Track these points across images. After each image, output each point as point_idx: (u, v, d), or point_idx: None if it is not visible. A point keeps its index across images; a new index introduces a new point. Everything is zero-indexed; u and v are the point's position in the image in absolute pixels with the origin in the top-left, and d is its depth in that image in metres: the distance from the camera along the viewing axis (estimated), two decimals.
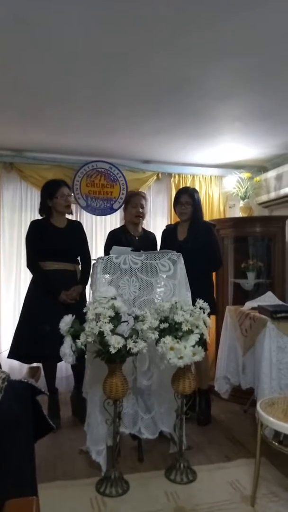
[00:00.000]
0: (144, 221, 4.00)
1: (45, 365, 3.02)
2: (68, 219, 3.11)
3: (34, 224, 3.05)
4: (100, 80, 2.32)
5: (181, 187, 3.98)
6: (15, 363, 3.50)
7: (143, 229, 3.26)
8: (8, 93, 2.50)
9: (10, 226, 3.78)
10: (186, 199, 3.07)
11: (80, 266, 3.06)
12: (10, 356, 2.92)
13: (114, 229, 3.33)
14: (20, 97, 2.58)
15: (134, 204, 3.11)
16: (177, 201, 3.13)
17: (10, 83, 2.37)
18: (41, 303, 2.88)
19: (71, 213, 3.14)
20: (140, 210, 3.11)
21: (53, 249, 2.91)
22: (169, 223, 4.01)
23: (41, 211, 3.05)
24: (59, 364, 3.08)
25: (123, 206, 3.40)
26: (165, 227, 3.49)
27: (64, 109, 2.78)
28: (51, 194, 2.96)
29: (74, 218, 3.51)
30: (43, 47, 1.96)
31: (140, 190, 3.97)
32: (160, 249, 3.15)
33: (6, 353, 3.01)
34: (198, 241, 3.00)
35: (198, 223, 3.09)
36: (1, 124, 3.08)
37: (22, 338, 2.87)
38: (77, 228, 3.13)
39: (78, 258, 3.08)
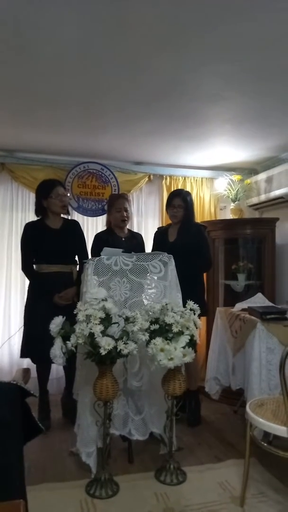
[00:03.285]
0: (135, 222, 4.02)
1: (39, 367, 3.00)
2: (64, 219, 3.08)
3: (28, 227, 3.02)
4: (91, 81, 2.33)
5: (172, 188, 4.01)
6: (5, 364, 3.49)
7: (129, 230, 3.24)
8: (0, 93, 2.49)
9: (0, 227, 3.76)
10: (179, 203, 3.07)
11: (77, 267, 3.03)
12: (22, 355, 2.96)
13: (100, 232, 3.27)
14: (11, 98, 2.57)
15: (118, 208, 3.06)
16: (169, 204, 3.13)
17: (1, 84, 2.36)
18: (39, 306, 2.87)
19: (67, 213, 3.11)
20: (125, 214, 3.06)
21: (48, 251, 2.89)
22: (160, 224, 4.02)
23: (37, 212, 3.03)
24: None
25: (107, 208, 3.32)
26: (157, 229, 3.49)
27: (56, 110, 2.77)
28: (46, 194, 2.93)
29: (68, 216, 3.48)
30: (35, 47, 1.96)
31: (131, 191, 3.99)
32: (152, 251, 3.15)
33: None
34: (188, 242, 3.00)
35: (189, 225, 3.10)
36: None
37: (29, 341, 2.90)
38: (73, 228, 3.08)
39: (76, 258, 3.06)
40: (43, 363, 2.96)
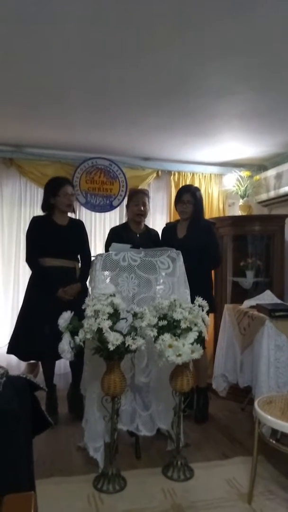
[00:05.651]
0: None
1: (44, 361, 3.02)
2: (70, 218, 3.09)
3: (35, 220, 3.04)
4: (100, 76, 2.32)
5: (181, 185, 3.99)
6: (14, 358, 3.50)
7: (146, 226, 3.23)
8: (8, 89, 2.49)
9: (9, 222, 3.78)
10: (188, 198, 3.05)
11: (79, 263, 3.05)
12: (9, 351, 2.92)
13: (116, 226, 3.30)
14: (20, 93, 2.57)
15: (136, 202, 3.05)
16: (179, 200, 3.11)
17: (10, 79, 2.36)
18: (39, 299, 2.87)
19: (73, 211, 3.13)
20: (142, 208, 3.05)
21: (52, 246, 2.90)
22: (168, 220, 4.01)
23: (43, 208, 3.04)
24: (57, 361, 3.07)
25: (126, 203, 3.34)
26: (165, 225, 3.48)
27: (63, 105, 2.77)
28: (54, 192, 2.94)
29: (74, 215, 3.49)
30: (43, 43, 1.95)
31: (139, 187, 3.97)
32: (159, 247, 3.14)
33: (4, 348, 3.01)
34: (197, 239, 2.99)
35: (198, 221, 3.08)
36: (1, 120, 3.07)
37: (21, 334, 2.87)
38: (78, 227, 3.10)
39: (78, 256, 3.07)
40: (34, 359, 2.98)
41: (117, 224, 3.94)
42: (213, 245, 3.09)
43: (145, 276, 2.40)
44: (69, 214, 3.10)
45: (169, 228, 3.28)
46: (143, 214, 3.10)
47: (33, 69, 2.23)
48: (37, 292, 2.91)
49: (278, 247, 3.61)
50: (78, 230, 3.08)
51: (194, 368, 2.71)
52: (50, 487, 2.09)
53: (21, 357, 3.02)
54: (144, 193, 3.15)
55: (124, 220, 3.90)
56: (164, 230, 3.32)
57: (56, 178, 3.08)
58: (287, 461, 2.26)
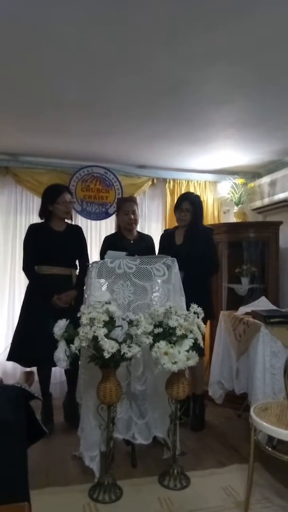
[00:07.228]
0: (138, 225, 4.04)
1: (39, 370, 3.01)
2: (67, 223, 3.10)
3: (32, 228, 3.05)
4: (96, 84, 2.34)
5: (176, 192, 4.02)
6: (9, 367, 3.49)
7: (138, 232, 3.25)
8: (4, 96, 2.51)
9: (4, 230, 3.78)
10: (186, 206, 3.06)
11: (77, 271, 3.05)
12: (10, 358, 2.93)
13: (109, 235, 3.32)
14: (15, 101, 2.58)
15: (125, 211, 3.08)
16: (177, 207, 3.12)
17: (5, 86, 2.37)
18: (36, 307, 2.87)
19: (70, 218, 3.14)
20: (132, 216, 3.08)
21: (50, 252, 2.91)
22: (163, 228, 4.03)
23: (41, 215, 3.05)
24: (53, 369, 3.06)
25: (115, 211, 3.38)
26: (163, 231, 3.49)
27: (59, 113, 2.79)
28: (53, 200, 2.96)
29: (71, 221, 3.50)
30: (39, 50, 1.97)
31: (135, 195, 3.99)
32: (158, 253, 3.15)
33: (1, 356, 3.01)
34: (194, 246, 3.00)
35: (196, 228, 3.08)
36: None
37: (20, 342, 2.87)
38: (76, 233, 3.11)
39: (76, 262, 3.07)
40: (35, 366, 2.97)
41: (113, 231, 3.96)
42: (211, 252, 3.10)
43: (140, 283, 2.41)
44: (66, 220, 3.11)
45: (168, 234, 3.29)
46: (135, 222, 3.12)
47: (29, 77, 2.25)
48: (34, 300, 2.91)
49: (272, 254, 3.63)
50: (76, 235, 3.09)
51: (190, 376, 2.71)
52: (45, 497, 2.07)
53: (20, 363, 3.02)
54: (132, 201, 3.18)
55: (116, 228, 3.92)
56: (162, 236, 3.34)
57: (55, 186, 3.10)
58: (283, 468, 2.25)
